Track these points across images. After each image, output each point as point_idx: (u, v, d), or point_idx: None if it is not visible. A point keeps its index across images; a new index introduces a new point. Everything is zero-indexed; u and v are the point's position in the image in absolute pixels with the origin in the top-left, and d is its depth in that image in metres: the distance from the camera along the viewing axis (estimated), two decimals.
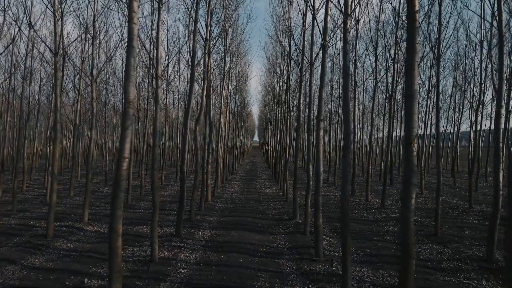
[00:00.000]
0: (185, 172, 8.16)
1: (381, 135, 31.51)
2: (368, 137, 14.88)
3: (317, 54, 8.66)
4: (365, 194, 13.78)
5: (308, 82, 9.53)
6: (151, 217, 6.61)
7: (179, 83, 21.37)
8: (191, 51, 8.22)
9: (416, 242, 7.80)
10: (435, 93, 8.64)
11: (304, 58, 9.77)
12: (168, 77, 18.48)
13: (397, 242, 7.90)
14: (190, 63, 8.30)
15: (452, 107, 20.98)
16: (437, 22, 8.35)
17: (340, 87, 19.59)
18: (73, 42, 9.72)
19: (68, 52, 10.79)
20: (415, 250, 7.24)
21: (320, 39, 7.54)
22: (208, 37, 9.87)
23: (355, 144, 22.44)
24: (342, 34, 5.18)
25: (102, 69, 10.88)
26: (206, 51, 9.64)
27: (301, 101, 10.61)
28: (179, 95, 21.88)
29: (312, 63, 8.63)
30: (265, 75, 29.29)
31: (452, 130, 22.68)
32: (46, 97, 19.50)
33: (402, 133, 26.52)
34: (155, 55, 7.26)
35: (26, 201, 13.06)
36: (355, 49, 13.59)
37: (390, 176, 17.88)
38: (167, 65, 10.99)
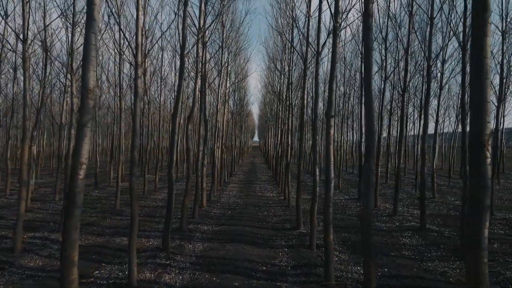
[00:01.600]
0: (173, 177, 7.09)
1: (384, 135, 30.47)
2: (376, 137, 13.84)
3: (325, 42, 7.60)
4: (373, 199, 12.69)
5: (314, 75, 8.47)
6: (129, 232, 5.53)
7: (175, 80, 20.25)
8: (181, 38, 7.15)
9: (440, 259, 6.74)
10: (461, 86, 7.56)
11: (309, 48, 8.71)
12: (163, 72, 17.44)
13: (418, 259, 6.82)
14: (179, 51, 7.21)
15: (460, 106, 20.08)
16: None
17: (344, 84, 18.52)
18: (46, 27, 8.60)
19: (47, 43, 9.73)
20: (442, 270, 6.19)
21: (327, 26, 6.50)
22: (202, 24, 8.80)
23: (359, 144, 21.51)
24: (361, 7, 4.10)
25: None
26: (200, 37, 8.55)
27: (305, 96, 9.55)
28: (176, 93, 20.77)
29: (319, 52, 7.55)
30: (265, 72, 28.22)
31: (460, 130, 21.84)
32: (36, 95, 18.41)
33: (411, 132, 25.52)
34: (140, 43, 6.17)
35: (7, 206, 11.98)
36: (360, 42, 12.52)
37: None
38: (162, 62, 9.94)
